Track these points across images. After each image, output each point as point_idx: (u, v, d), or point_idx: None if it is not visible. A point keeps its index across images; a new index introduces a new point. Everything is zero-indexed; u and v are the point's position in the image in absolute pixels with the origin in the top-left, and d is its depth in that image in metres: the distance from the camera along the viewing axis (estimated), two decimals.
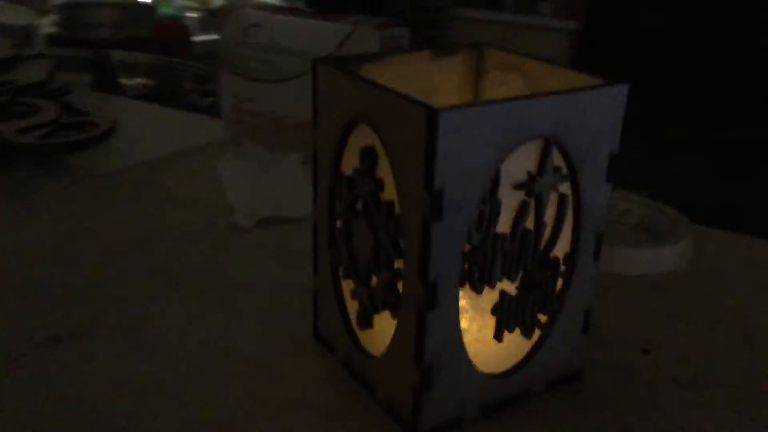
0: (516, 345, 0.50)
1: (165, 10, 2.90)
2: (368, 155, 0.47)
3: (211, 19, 2.98)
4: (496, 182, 0.44)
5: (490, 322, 0.48)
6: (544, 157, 0.45)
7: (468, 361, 0.48)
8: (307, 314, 0.59)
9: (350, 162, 0.50)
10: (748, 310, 0.64)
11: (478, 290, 0.46)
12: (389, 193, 0.46)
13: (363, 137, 0.48)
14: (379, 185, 0.47)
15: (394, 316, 0.48)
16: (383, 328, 0.50)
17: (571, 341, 0.52)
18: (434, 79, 0.55)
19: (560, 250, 0.49)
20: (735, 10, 2.95)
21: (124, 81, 1.55)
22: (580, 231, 0.49)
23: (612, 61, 2.51)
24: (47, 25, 2.74)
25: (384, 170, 0.46)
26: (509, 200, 0.45)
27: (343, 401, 0.51)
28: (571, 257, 0.50)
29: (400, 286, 0.47)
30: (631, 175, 0.80)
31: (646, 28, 3.17)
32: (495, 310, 0.48)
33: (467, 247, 0.44)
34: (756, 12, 2.88)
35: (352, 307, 0.53)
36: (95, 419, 0.48)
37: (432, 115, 0.40)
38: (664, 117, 2.80)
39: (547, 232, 0.48)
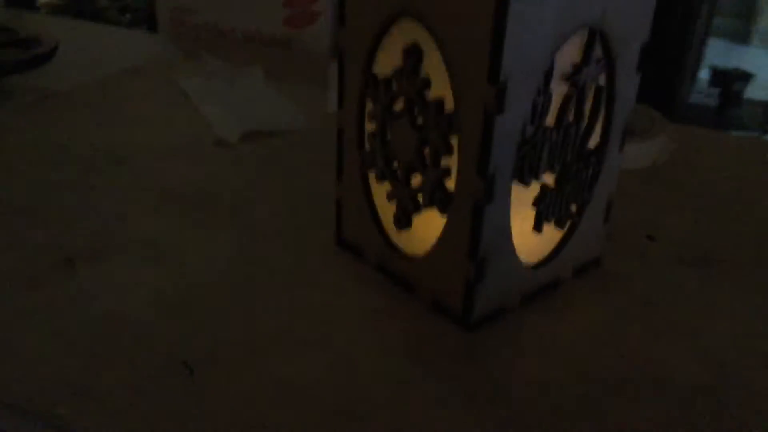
0: (550, 236, 0.52)
1: None
2: (413, 52, 0.46)
3: None
4: (549, 74, 0.45)
5: (531, 214, 0.50)
6: (588, 47, 0.46)
7: (513, 253, 0.49)
8: (323, 222, 0.58)
9: (386, 62, 0.49)
10: (735, 194, 0.69)
11: (527, 182, 0.47)
12: (437, 90, 0.46)
13: (402, 35, 0.47)
14: (426, 83, 0.46)
15: (443, 212, 0.48)
16: (424, 228, 0.50)
17: (595, 230, 0.55)
18: None
19: (593, 141, 0.51)
20: None
21: None
22: (612, 123, 0.51)
23: None
24: None
25: (431, 67, 0.46)
26: (556, 93, 0.46)
27: (383, 300, 0.52)
28: (601, 148, 0.51)
29: (449, 183, 0.47)
30: None
31: None
32: (537, 203, 0.49)
33: (519, 140, 0.45)
34: None
35: (387, 209, 0.53)
36: (136, 338, 0.47)
37: (502, 4, 0.40)
38: None
39: (585, 123, 0.49)
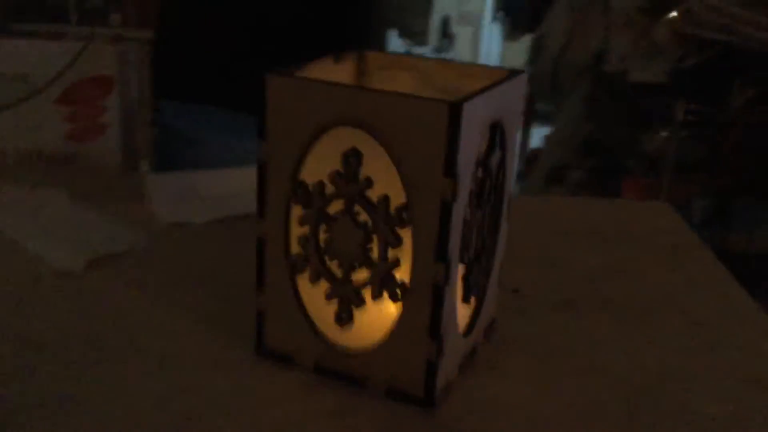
0: (471, 306, 0.58)
1: None
2: (353, 157, 0.49)
3: None
4: (477, 163, 0.51)
5: (460, 289, 0.55)
6: (494, 136, 0.53)
7: (457, 327, 0.53)
8: (225, 337, 0.57)
9: (315, 168, 0.51)
10: (549, 245, 0.80)
11: (464, 262, 0.52)
12: (379, 188, 0.49)
13: (335, 141, 0.49)
14: (369, 183, 0.49)
15: (396, 301, 0.51)
16: (370, 320, 0.52)
17: (494, 294, 0.61)
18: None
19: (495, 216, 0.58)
20: None
21: None
22: (503, 197, 0.58)
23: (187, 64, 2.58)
24: None
25: (371, 168, 0.49)
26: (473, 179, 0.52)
27: (334, 400, 0.52)
28: (497, 221, 0.58)
29: (397, 274, 0.50)
30: None
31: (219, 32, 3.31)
32: (465, 277, 0.54)
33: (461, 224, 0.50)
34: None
35: (323, 310, 0.54)
36: None
37: (455, 108, 0.45)
38: None
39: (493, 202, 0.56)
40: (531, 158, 2.98)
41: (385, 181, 0.49)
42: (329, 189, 0.51)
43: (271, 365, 0.56)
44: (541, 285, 0.71)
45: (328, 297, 0.53)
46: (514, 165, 0.58)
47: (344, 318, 0.53)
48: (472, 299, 0.57)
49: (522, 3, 4.45)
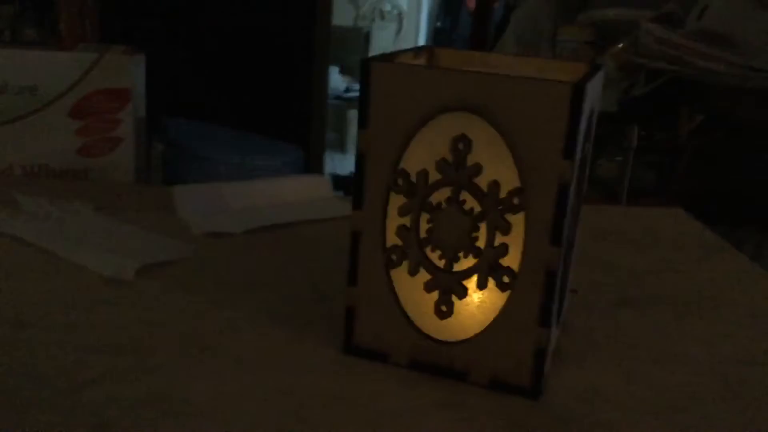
0: None
1: None
2: (463, 142, 0.49)
3: None
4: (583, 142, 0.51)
5: None
6: (589, 125, 0.54)
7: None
8: (302, 338, 0.56)
9: (417, 157, 0.50)
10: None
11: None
12: (488, 175, 0.49)
13: (440, 128, 0.49)
14: (478, 169, 0.49)
15: (504, 289, 0.50)
16: (472, 311, 0.52)
17: (567, 288, 0.61)
18: None
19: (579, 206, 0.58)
20: None
21: None
22: (582, 189, 0.59)
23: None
24: None
25: (480, 154, 0.49)
26: None
27: (437, 394, 0.51)
28: (578, 211, 0.59)
29: (503, 260, 0.50)
30: None
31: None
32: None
33: None
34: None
35: (421, 302, 0.53)
36: None
37: (578, 89, 0.45)
38: None
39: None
40: None
41: (492, 166, 0.49)
42: (433, 177, 0.50)
43: (361, 363, 0.54)
44: (596, 285, 0.71)
45: (429, 288, 0.52)
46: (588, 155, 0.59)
47: (445, 310, 0.52)
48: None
49: (465, 38, 4.56)
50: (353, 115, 4.62)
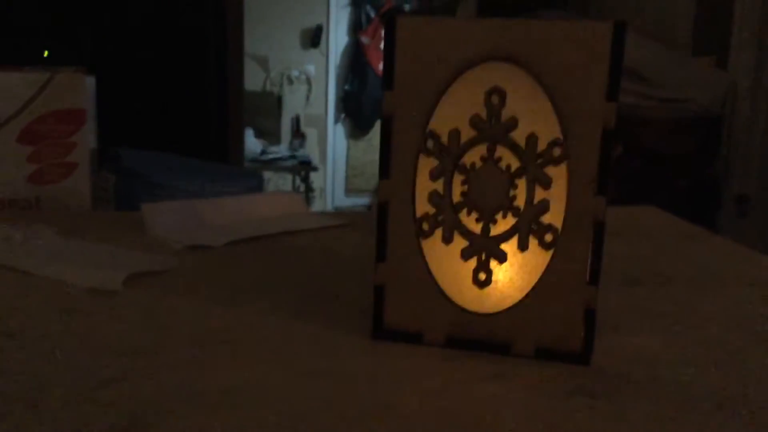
0: None
1: None
2: (497, 95, 0.47)
3: None
4: None
5: None
6: None
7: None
8: (323, 326, 0.52)
9: (446, 117, 0.48)
10: None
11: None
12: (524, 128, 0.47)
13: (471, 84, 0.47)
14: (514, 123, 0.47)
15: (548, 248, 0.48)
16: (512, 276, 0.49)
17: None
18: None
19: None
20: None
21: None
22: None
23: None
24: None
25: (514, 107, 0.47)
26: None
27: (489, 368, 0.48)
28: None
29: (545, 218, 0.48)
30: None
31: None
32: None
33: None
34: None
35: (456, 273, 0.50)
36: None
37: (619, 28, 0.45)
38: None
39: None
40: None
41: (529, 119, 0.47)
42: (465, 136, 0.48)
43: (393, 347, 0.50)
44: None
45: (465, 256, 0.49)
46: None
47: (484, 278, 0.49)
48: None
49: (374, 99, 4.65)
50: (268, 177, 4.59)
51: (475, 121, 0.48)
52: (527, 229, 0.48)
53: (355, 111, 5.09)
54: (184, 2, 3.12)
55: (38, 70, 0.82)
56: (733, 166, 2.35)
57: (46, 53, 3.05)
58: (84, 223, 0.78)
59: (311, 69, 4.96)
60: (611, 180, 0.47)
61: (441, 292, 0.50)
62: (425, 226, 0.50)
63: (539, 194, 0.48)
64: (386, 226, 0.50)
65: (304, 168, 4.63)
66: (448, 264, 0.50)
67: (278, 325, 0.53)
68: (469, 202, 0.49)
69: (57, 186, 0.83)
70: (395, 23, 0.47)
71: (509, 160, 0.48)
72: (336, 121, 5.07)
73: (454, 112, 0.48)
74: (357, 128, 5.14)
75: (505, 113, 0.47)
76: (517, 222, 0.48)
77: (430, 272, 0.50)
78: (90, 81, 0.85)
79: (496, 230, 0.49)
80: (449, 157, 0.48)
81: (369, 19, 4.95)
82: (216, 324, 0.53)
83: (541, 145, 0.47)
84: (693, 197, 2.34)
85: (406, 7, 4.09)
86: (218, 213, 0.79)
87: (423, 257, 0.50)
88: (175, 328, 0.52)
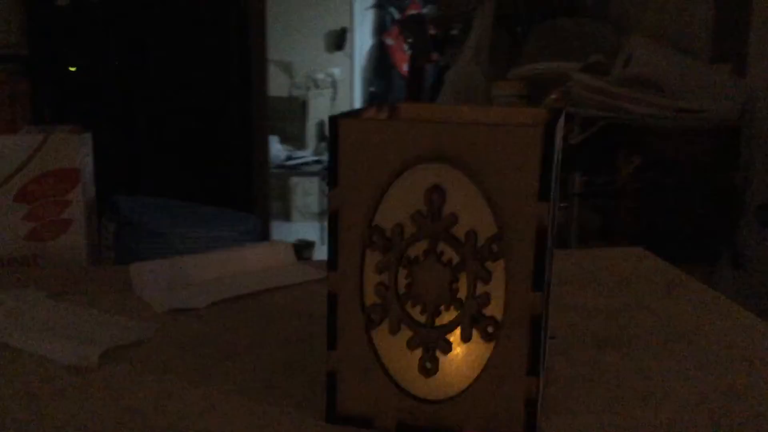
0: None
1: None
2: (437, 193, 0.48)
3: None
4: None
5: None
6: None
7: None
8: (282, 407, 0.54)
9: (390, 212, 0.50)
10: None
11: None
12: (464, 224, 0.48)
13: (413, 181, 0.49)
14: (455, 219, 0.48)
15: (487, 340, 0.49)
16: (456, 365, 0.50)
17: None
18: None
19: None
20: None
21: None
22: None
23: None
24: None
25: (455, 204, 0.48)
26: None
27: None
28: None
29: (487, 310, 0.49)
30: None
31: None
32: None
33: None
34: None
35: (403, 362, 0.51)
36: None
37: (549, 129, 0.46)
38: None
39: None
40: None
41: (468, 215, 0.48)
42: (409, 231, 0.50)
43: (348, 430, 0.52)
44: (573, 328, 0.71)
45: (412, 346, 0.51)
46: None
47: (430, 367, 0.51)
48: None
49: (400, 100, 4.64)
50: (295, 182, 4.63)
51: (416, 218, 0.49)
52: (470, 321, 0.49)
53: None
54: (207, 10, 3.16)
55: (32, 132, 0.85)
56: (753, 175, 2.32)
57: (72, 69, 3.12)
58: (76, 282, 0.81)
59: (336, 71, 4.99)
60: (546, 269, 0.48)
61: (390, 380, 0.52)
62: (373, 317, 0.51)
63: (480, 288, 0.49)
64: (336, 316, 0.52)
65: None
66: (395, 353, 0.51)
67: (240, 407, 0.55)
68: (413, 294, 0.50)
69: (54, 243, 0.86)
70: (338, 125, 0.49)
71: (450, 254, 0.49)
72: None
73: (398, 208, 0.49)
74: None
75: (446, 209, 0.49)
76: (459, 314, 0.50)
77: (379, 360, 0.52)
78: (86, 137, 0.89)
79: (440, 321, 0.50)
80: (393, 251, 0.50)
81: (393, 21, 4.97)
82: (176, 407, 0.55)
83: (481, 241, 0.48)
84: (713, 207, 2.32)
85: (425, 10, 4.08)
86: (205, 269, 0.81)
87: (372, 346, 0.52)
88: (140, 414, 0.54)
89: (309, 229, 4.29)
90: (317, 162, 4.64)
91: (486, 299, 0.49)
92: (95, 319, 0.70)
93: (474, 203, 0.48)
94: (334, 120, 0.49)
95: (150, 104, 3.08)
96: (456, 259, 0.49)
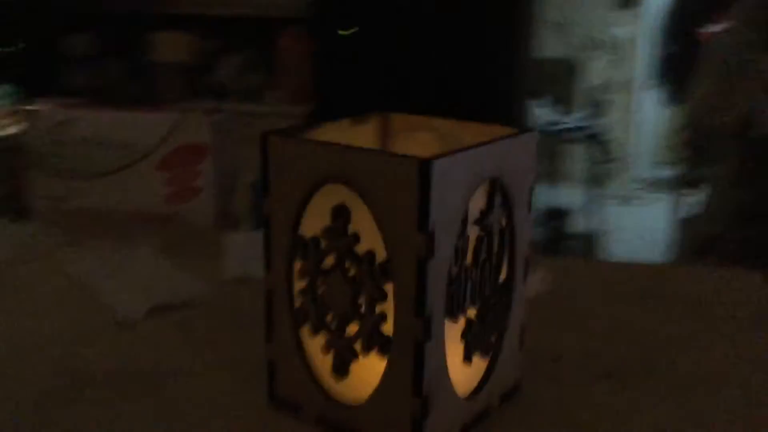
0: (478, 367, 0.56)
1: None
2: (342, 212, 0.51)
3: None
4: (465, 220, 0.51)
5: (460, 347, 0.54)
6: (492, 195, 0.53)
7: (452, 386, 0.53)
8: (250, 384, 0.60)
9: (311, 224, 0.53)
10: (615, 315, 0.77)
11: (455, 318, 0.52)
12: (366, 244, 0.50)
13: (327, 198, 0.52)
14: (356, 239, 0.51)
15: (383, 356, 0.51)
16: (363, 374, 0.53)
17: (513, 356, 0.60)
18: (356, 142, 0.61)
19: (502, 275, 0.57)
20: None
21: None
22: (515, 257, 0.57)
23: None
24: None
25: (359, 224, 0.51)
26: (471, 236, 0.52)
27: None
28: (510, 281, 0.57)
29: (384, 327, 0.51)
30: None
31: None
32: (464, 335, 0.54)
33: (447, 280, 0.50)
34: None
35: (323, 361, 0.55)
36: None
37: (425, 165, 0.46)
38: None
39: (495, 261, 0.55)
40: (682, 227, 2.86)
41: (369, 237, 0.50)
42: (324, 244, 0.53)
43: (282, 413, 0.58)
44: (587, 353, 0.68)
45: (325, 349, 0.55)
46: (526, 225, 0.57)
47: (340, 370, 0.54)
48: (477, 360, 0.56)
49: (675, 72, 4.32)
50: (563, 148, 4.54)
51: (327, 233, 0.52)
52: (368, 336, 0.52)
53: (670, 77, 4.76)
54: None
55: (171, 111, 1.00)
56: None
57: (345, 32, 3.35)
58: (191, 243, 0.95)
59: (621, 32, 4.74)
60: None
61: (312, 376, 0.56)
62: (298, 318, 0.56)
63: (378, 306, 0.51)
64: (271, 312, 0.57)
65: (596, 139, 4.49)
66: (316, 353, 0.55)
67: (200, 372, 0.64)
68: (327, 303, 0.54)
69: (186, 206, 1.01)
70: (267, 141, 0.54)
71: (354, 271, 0.51)
72: (646, 87, 4.81)
73: (316, 222, 0.53)
74: (671, 95, 4.81)
75: (351, 228, 0.51)
76: (360, 328, 0.52)
77: (304, 358, 0.56)
78: (220, 117, 1.01)
79: (349, 331, 0.53)
80: (310, 261, 0.54)
81: None
82: (178, 367, 0.65)
83: (377, 262, 0.50)
84: None
85: None
86: None
87: (300, 343, 0.56)
88: (143, 365, 0.65)
89: (573, 196, 4.19)
90: (586, 127, 4.49)
91: (383, 317, 0.51)
92: (170, 277, 0.82)
93: (371, 226, 0.50)
94: (264, 136, 0.54)
95: (406, 57, 3.17)
96: (358, 277, 0.51)
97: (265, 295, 0.57)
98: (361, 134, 0.61)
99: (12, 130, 1.47)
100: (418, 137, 0.62)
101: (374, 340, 0.51)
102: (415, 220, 0.47)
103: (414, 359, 0.49)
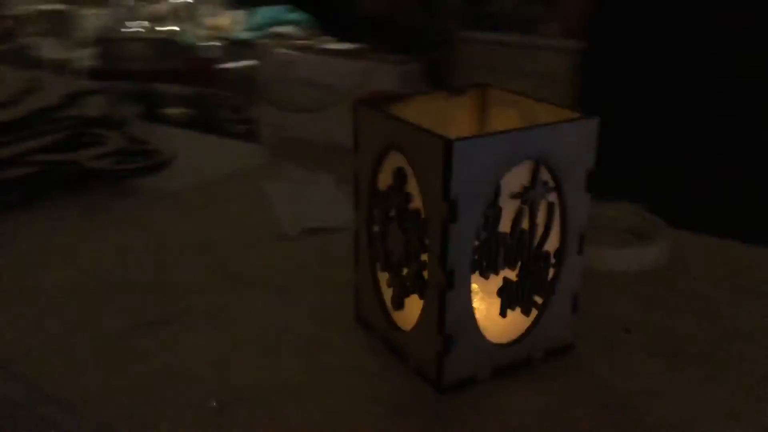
0: (518, 321, 0.64)
1: (185, 39, 3.01)
2: (399, 175, 0.61)
3: (234, 48, 3.12)
4: (496, 193, 0.58)
5: (497, 302, 0.62)
6: (534, 173, 0.59)
7: (479, 332, 0.62)
8: (348, 303, 0.73)
9: (385, 180, 0.64)
10: (714, 298, 0.77)
11: (485, 276, 0.60)
12: (416, 203, 0.60)
13: (395, 161, 0.62)
14: (408, 198, 0.61)
15: (421, 297, 0.62)
16: (412, 309, 0.64)
17: (562, 319, 0.66)
18: (449, 114, 0.70)
19: (551, 246, 0.63)
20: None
21: (167, 111, 1.71)
22: (567, 231, 0.63)
23: (612, 77, 2.54)
24: (83, 58, 2.92)
25: (412, 186, 0.60)
26: (510, 207, 0.60)
27: (382, 366, 0.65)
28: (559, 251, 0.63)
29: (425, 274, 0.61)
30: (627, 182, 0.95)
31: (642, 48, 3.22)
32: (500, 292, 0.62)
33: (476, 243, 0.58)
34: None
35: (388, 293, 0.67)
36: (189, 389, 0.63)
37: (448, 144, 0.54)
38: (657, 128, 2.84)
39: (539, 231, 0.62)
40: None
41: (419, 197, 0.60)
42: (389, 199, 0.64)
43: (362, 329, 0.71)
44: (664, 331, 0.71)
45: (388, 285, 0.66)
46: (580, 204, 0.62)
47: (397, 303, 0.65)
48: (516, 315, 0.63)
49: None
50: None
51: (390, 190, 0.63)
52: (413, 278, 0.62)
53: None
54: None
55: (365, 61, 1.14)
56: None
57: None
58: None
59: None
60: None
61: (381, 304, 0.68)
62: (372, 255, 0.67)
63: (421, 256, 0.61)
64: (357, 248, 0.69)
65: None
66: (384, 286, 0.67)
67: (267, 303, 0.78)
68: (390, 246, 0.65)
69: None
70: (356, 110, 0.65)
71: (407, 224, 0.62)
72: None
73: (386, 179, 0.64)
74: None
75: (406, 188, 0.61)
76: (408, 271, 0.63)
77: (378, 288, 0.68)
78: (409, 66, 1.13)
79: (404, 271, 0.64)
80: (381, 210, 0.65)
81: None
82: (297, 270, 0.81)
83: (421, 220, 0.60)
84: None
85: None
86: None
87: (375, 276, 0.68)
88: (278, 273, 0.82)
89: None
90: None
91: (423, 265, 0.61)
92: (335, 203, 0.98)
93: (417, 189, 0.59)
94: (355, 105, 0.65)
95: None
96: (409, 229, 0.62)
97: (354, 235, 0.69)
98: (456, 106, 0.70)
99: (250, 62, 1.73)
100: (508, 113, 0.69)
101: (416, 283, 0.62)
102: (440, 189, 0.56)
103: (438, 304, 0.59)
